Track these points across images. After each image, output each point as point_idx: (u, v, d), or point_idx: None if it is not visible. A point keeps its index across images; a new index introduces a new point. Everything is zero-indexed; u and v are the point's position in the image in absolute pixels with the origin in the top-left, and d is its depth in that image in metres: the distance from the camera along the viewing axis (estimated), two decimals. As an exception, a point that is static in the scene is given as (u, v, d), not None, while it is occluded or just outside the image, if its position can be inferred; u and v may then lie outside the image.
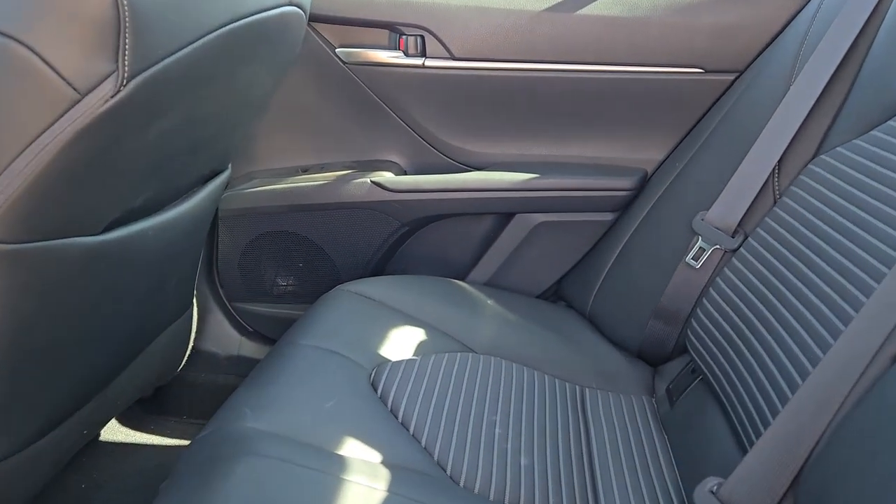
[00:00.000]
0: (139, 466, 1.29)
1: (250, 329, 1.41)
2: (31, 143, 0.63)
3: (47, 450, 0.86)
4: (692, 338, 1.02)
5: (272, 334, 1.39)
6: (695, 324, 1.01)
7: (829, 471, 0.61)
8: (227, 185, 1.29)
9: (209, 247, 1.34)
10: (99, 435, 1.33)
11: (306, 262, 1.32)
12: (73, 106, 0.62)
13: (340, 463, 0.74)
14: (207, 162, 0.98)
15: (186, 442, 1.35)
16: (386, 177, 1.26)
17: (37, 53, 0.60)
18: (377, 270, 1.32)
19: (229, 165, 1.10)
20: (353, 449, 0.77)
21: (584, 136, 1.27)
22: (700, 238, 1.04)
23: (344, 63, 1.24)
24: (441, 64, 1.22)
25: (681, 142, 1.24)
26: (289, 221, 1.29)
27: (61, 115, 0.62)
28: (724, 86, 1.19)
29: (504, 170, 1.26)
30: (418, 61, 1.22)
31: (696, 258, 1.04)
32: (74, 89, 0.61)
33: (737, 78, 1.18)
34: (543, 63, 1.21)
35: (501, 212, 1.28)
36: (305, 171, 1.31)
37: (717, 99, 1.20)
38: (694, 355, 1.00)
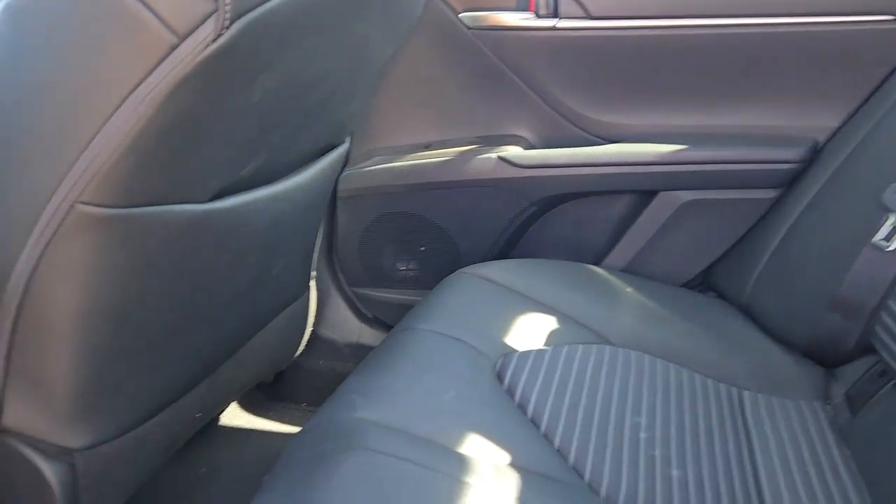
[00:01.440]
0: (258, 453, 1.26)
1: (370, 315, 1.35)
2: (127, 97, 0.57)
3: (155, 432, 0.82)
4: (881, 334, 0.85)
5: (392, 321, 1.31)
6: (885, 317, 0.84)
7: None
8: (345, 164, 1.24)
9: (328, 229, 1.29)
10: (218, 419, 1.31)
11: (428, 245, 1.24)
12: (170, 52, 0.56)
13: (461, 462, 0.64)
14: (322, 133, 0.91)
15: (305, 430, 1.31)
16: (513, 152, 1.15)
17: (132, -8, 0.54)
18: (502, 254, 1.22)
19: (348, 139, 1.03)
20: (475, 447, 0.67)
21: (742, 101, 1.11)
22: (893, 215, 0.87)
23: (468, 28, 1.15)
24: (576, 25, 1.10)
25: (862, 105, 1.05)
26: (410, 201, 1.21)
27: (158, 64, 0.56)
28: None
29: (647, 142, 1.12)
30: (550, 23, 1.11)
31: (887, 238, 0.86)
32: (172, 32, 0.55)
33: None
34: (693, 19, 1.07)
35: (642, 189, 1.14)
36: (428, 147, 1.23)
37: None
38: (884, 355, 0.83)
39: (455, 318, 0.90)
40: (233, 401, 1.10)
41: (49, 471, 0.71)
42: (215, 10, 0.55)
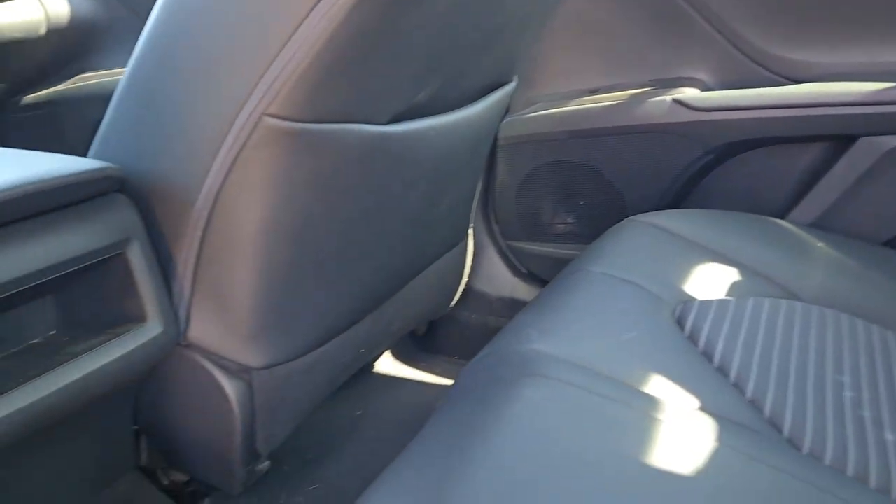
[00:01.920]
0: (410, 401, 1.26)
1: (524, 270, 1.31)
2: (314, 7, 0.56)
3: (324, 361, 0.82)
4: None
5: (548, 276, 1.27)
6: None
7: None
8: (507, 111, 1.20)
9: (485, 180, 1.26)
10: (373, 366, 1.32)
11: (590, 196, 1.18)
12: (359, -41, 0.54)
13: (647, 400, 0.59)
14: (493, 67, 0.87)
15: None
16: (690, 94, 1.07)
17: None
18: (672, 206, 1.14)
19: (515, 78, 0.99)
20: (661, 388, 0.62)
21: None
22: None
23: (643, -38, 1.07)
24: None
25: None
26: (572, 149, 1.16)
27: (347, -30, 0.55)
28: None
29: (844, 80, 1.00)
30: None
31: None
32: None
33: None
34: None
35: (839, 134, 1.02)
36: (594, 92, 1.17)
37: None
38: None
39: (629, 263, 0.84)
40: (390, 345, 1.10)
41: (229, 387, 0.73)
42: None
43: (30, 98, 1.57)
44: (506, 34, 0.83)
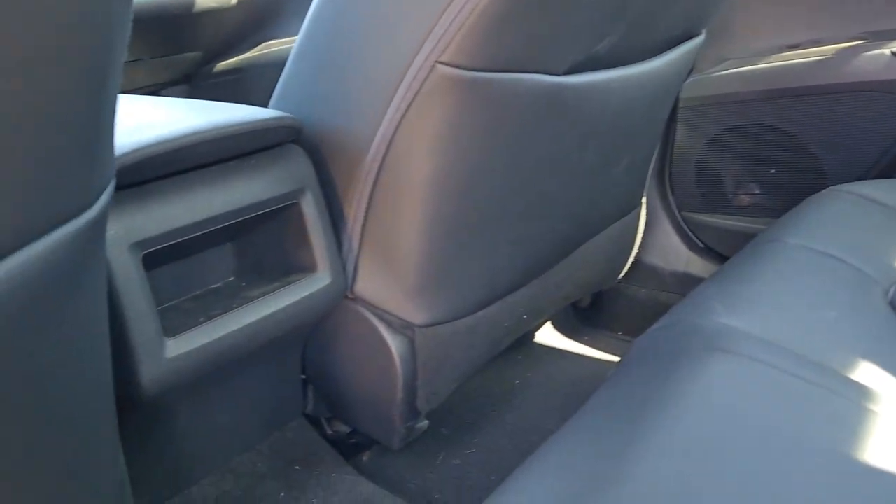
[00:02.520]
0: (569, 373, 1.22)
1: (701, 244, 1.22)
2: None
3: (486, 323, 0.80)
4: None
5: (728, 252, 1.17)
6: None
7: None
8: (691, 69, 1.11)
9: (662, 147, 1.18)
10: (533, 336, 1.29)
11: (782, 164, 1.07)
12: None
13: (858, 390, 0.51)
14: (681, 17, 0.80)
15: (618, 358, 1.24)
16: (914, 46, 0.93)
17: None
18: (883, 176, 1.00)
19: (703, 32, 0.91)
20: (874, 377, 0.54)
21: None
22: None
23: None
24: None
25: None
26: (764, 111, 1.05)
27: None
28: None
29: None
30: None
31: None
32: None
33: None
34: None
35: None
36: (794, 48, 1.04)
37: None
38: None
39: (830, 235, 0.75)
40: (553, 313, 1.06)
41: (393, 343, 0.73)
42: None
43: (221, 66, 1.67)
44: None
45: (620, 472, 0.40)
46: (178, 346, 0.56)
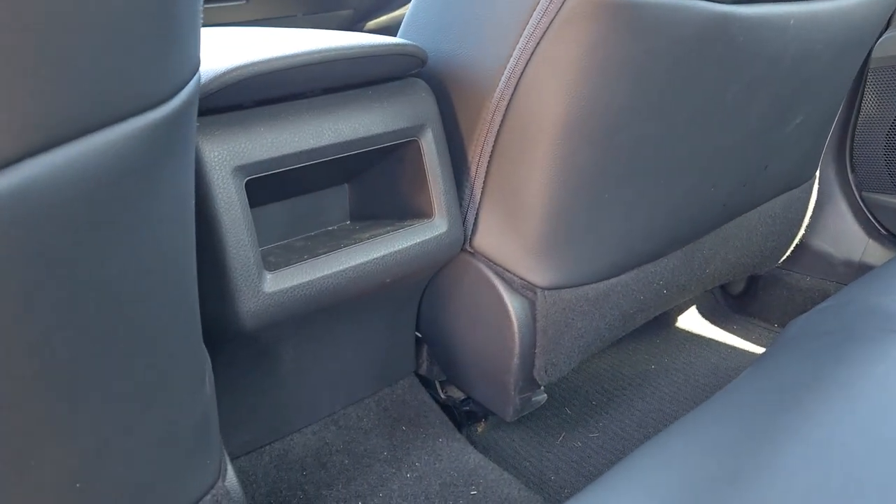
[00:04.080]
0: (712, 362, 1.11)
1: (883, 231, 1.05)
2: None
3: (617, 291, 0.72)
4: None
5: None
6: None
7: None
8: (888, 24, 0.95)
9: (845, 111, 1.02)
10: (676, 319, 1.19)
11: None
12: None
13: None
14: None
15: (773, 353, 1.11)
16: None
17: None
18: None
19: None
20: None
21: None
22: None
23: None
24: None
25: None
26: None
27: None
28: None
29: None
30: None
31: None
32: None
33: None
34: None
35: None
36: None
37: None
38: None
39: None
40: (699, 292, 0.95)
41: (511, 303, 0.66)
42: None
43: (370, 24, 1.67)
44: None
45: (745, 471, 0.32)
46: (278, 282, 0.53)
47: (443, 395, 0.84)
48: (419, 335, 0.80)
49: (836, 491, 0.32)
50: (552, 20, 0.53)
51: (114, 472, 0.39)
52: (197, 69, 0.36)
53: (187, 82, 0.35)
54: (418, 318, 0.77)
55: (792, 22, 0.61)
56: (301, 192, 0.63)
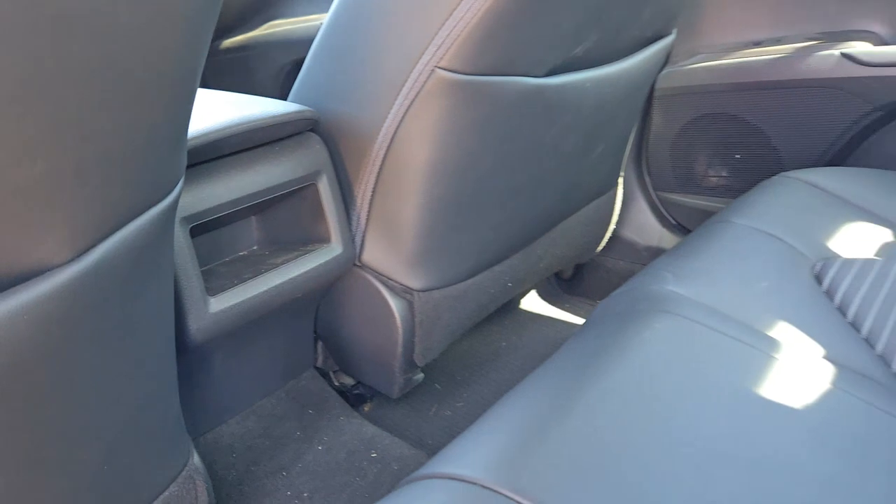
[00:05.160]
0: (550, 337, 1.34)
1: (673, 221, 1.34)
2: (487, -32, 0.63)
3: (474, 290, 0.92)
4: None
5: (696, 228, 1.29)
6: None
7: None
8: (667, 61, 1.22)
9: (640, 131, 1.29)
10: (519, 303, 1.41)
11: (746, 151, 1.18)
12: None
13: (771, 344, 0.63)
14: (650, 21, 0.90)
15: (597, 324, 1.37)
16: (861, 48, 1.03)
17: None
18: (832, 164, 1.12)
19: (674, 32, 1.01)
20: (787, 334, 0.66)
21: None
22: None
23: None
24: None
25: None
26: (731, 102, 1.16)
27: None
28: None
29: None
30: None
31: None
32: None
33: None
34: None
35: None
36: (758, 45, 1.15)
37: None
38: None
39: (774, 217, 0.86)
40: (536, 282, 1.17)
41: (394, 304, 0.84)
42: None
43: (227, 43, 1.75)
44: (668, -12, 0.86)
45: (565, 416, 0.52)
46: (219, 303, 0.68)
47: (336, 383, 1.01)
48: (316, 334, 0.96)
49: (624, 423, 0.52)
50: (418, 92, 0.72)
51: (101, 460, 0.52)
52: (185, 163, 0.51)
53: (182, 174, 0.50)
54: (316, 321, 0.94)
55: (588, 84, 0.83)
56: (220, 227, 0.77)
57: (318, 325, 0.94)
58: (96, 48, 0.34)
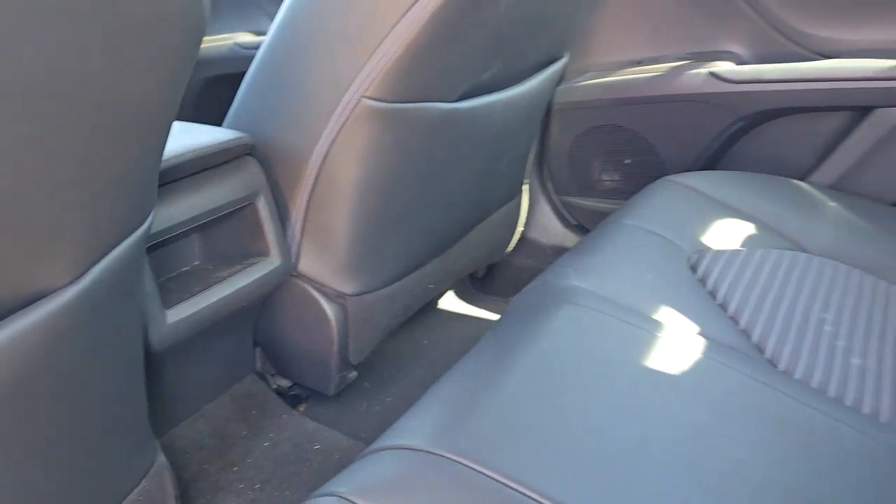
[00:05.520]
0: (468, 333, 1.45)
1: (573, 222, 1.47)
2: (405, 14, 0.73)
3: (400, 292, 1.02)
4: None
5: (594, 228, 1.43)
6: None
7: None
8: (561, 78, 1.35)
9: (540, 142, 1.42)
10: (437, 303, 1.52)
11: (634, 157, 1.33)
12: (442, -24, 0.71)
13: (655, 325, 0.76)
14: (546, 46, 1.03)
15: (510, 319, 1.49)
16: (724, 67, 1.20)
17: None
18: (706, 168, 1.28)
19: (567, 54, 1.14)
20: (669, 316, 0.79)
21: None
22: None
23: (687, -53, 1.20)
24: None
25: None
26: (619, 115, 1.30)
27: (433, -16, 0.71)
28: None
29: (863, 57, 1.12)
30: (772, -62, 1.13)
31: None
32: (444, -40, 0.70)
33: None
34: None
35: (857, 105, 1.14)
36: (639, 63, 1.30)
37: None
38: None
39: (656, 217, 1.00)
40: (453, 283, 1.28)
41: (329, 309, 0.93)
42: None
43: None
44: (561, 17, 0.98)
45: (491, 392, 0.63)
46: (175, 315, 0.74)
47: (274, 385, 1.08)
48: (255, 341, 1.03)
49: (538, 397, 0.63)
50: (347, 119, 0.81)
51: (84, 458, 0.59)
52: (156, 194, 0.58)
53: (155, 204, 0.57)
54: (255, 329, 1.01)
55: (495, 106, 0.95)
56: (165, 244, 0.83)
57: (256, 332, 1.01)
58: (86, 102, 0.42)
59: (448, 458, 0.54)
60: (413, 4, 0.73)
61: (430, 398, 0.65)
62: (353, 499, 0.51)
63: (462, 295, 1.56)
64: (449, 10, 0.73)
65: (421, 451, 0.55)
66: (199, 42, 0.48)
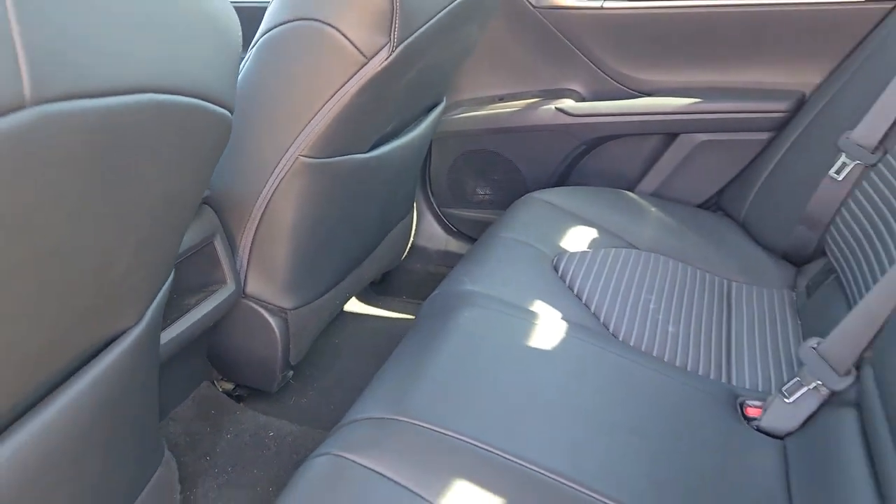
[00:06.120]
0: (372, 329, 1.68)
1: (454, 229, 1.74)
2: (334, 94, 0.96)
3: (328, 302, 1.24)
4: (829, 242, 1.19)
5: (472, 233, 1.72)
6: (832, 230, 1.19)
7: (891, 335, 0.82)
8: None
9: (424, 164, 1.68)
10: (345, 307, 1.74)
11: (501, 175, 1.62)
12: (361, 68, 0.94)
13: (531, 314, 1.04)
14: (433, 97, 1.28)
15: (407, 316, 1.74)
16: (568, 103, 1.51)
17: (341, 32, 0.92)
18: (559, 182, 1.59)
19: (444, 98, 1.40)
20: (540, 307, 1.07)
21: (745, 62, 1.43)
22: (844, 154, 1.20)
23: (534, 7, 1.49)
24: (618, 5, 1.43)
25: (839, 66, 1.37)
26: (488, 141, 1.58)
27: (354, 74, 0.95)
28: (881, 15, 1.30)
29: (671, 95, 1.46)
30: (598, 3, 1.44)
31: (838, 172, 1.20)
32: (363, 55, 0.93)
33: (893, 8, 1.28)
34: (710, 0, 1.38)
35: (668, 132, 1.48)
36: (502, 99, 1.59)
37: (874, 28, 1.31)
38: (830, 257, 1.18)
39: (524, 229, 1.28)
40: (359, 290, 1.50)
41: (273, 323, 1.14)
42: (388, 42, 0.93)
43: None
44: (441, 77, 1.24)
45: (424, 373, 0.88)
46: (162, 337, 0.94)
47: (220, 389, 1.27)
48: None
49: (456, 381, 0.89)
50: (286, 174, 1.02)
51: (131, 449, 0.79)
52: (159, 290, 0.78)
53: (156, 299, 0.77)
54: (208, 343, 1.20)
55: (395, 150, 1.19)
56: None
57: (209, 345, 1.20)
58: (155, 202, 0.62)
59: (403, 420, 0.79)
60: (343, 84, 0.96)
61: (379, 381, 0.89)
62: (343, 454, 0.75)
63: (364, 299, 1.79)
64: (369, 89, 0.97)
65: (384, 418, 0.79)
66: (225, 144, 0.69)
